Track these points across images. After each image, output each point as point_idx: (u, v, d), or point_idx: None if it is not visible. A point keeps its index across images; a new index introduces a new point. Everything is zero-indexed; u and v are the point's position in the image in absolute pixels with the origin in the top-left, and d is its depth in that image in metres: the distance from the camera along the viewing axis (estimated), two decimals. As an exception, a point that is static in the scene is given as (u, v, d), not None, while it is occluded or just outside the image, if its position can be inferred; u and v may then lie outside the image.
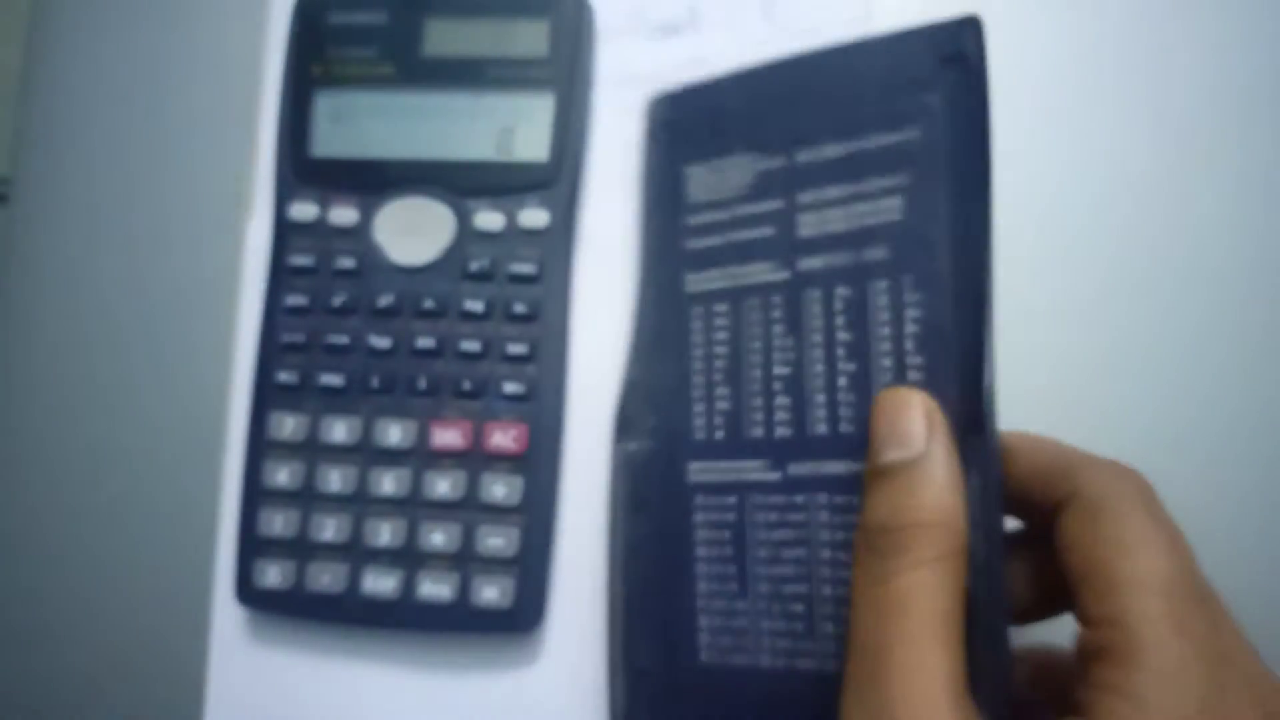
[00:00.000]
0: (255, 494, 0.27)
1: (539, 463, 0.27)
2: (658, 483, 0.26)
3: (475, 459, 0.27)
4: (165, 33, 0.31)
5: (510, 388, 0.27)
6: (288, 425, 0.27)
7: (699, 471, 0.25)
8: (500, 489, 0.26)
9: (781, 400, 0.24)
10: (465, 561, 0.26)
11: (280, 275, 0.28)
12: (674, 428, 0.26)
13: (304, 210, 0.28)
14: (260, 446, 0.27)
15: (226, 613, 0.28)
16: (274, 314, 0.28)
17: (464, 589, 0.26)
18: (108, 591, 0.29)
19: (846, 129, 0.24)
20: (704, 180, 0.26)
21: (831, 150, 0.25)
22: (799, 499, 0.24)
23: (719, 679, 0.24)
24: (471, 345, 0.27)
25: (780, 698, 0.23)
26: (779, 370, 0.24)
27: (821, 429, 0.24)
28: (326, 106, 0.29)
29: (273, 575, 0.27)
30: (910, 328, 0.23)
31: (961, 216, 0.22)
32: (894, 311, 0.23)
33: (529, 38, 0.28)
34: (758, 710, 0.24)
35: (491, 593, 0.26)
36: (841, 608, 0.23)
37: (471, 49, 0.28)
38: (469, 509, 0.27)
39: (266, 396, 0.28)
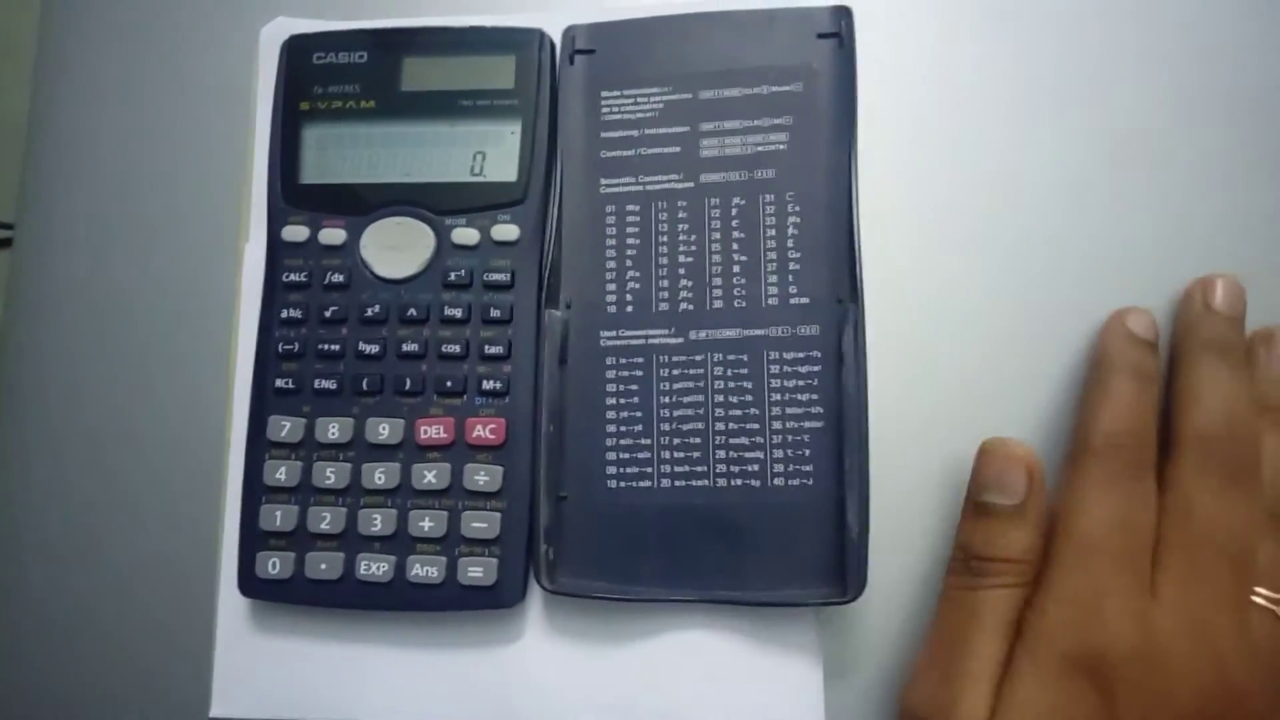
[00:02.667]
0: (256, 491, 0.30)
1: (516, 451, 0.29)
2: (576, 345, 0.30)
3: (458, 451, 0.29)
4: (164, 74, 0.34)
5: (489, 384, 0.29)
6: (285, 427, 0.30)
7: (609, 338, 0.30)
8: (482, 477, 0.29)
9: (685, 282, 0.30)
10: (452, 544, 0.29)
11: (275, 291, 0.31)
12: (589, 301, 0.30)
13: (296, 232, 0.31)
14: (260, 447, 0.30)
15: (231, 603, 0.30)
16: (270, 326, 0.31)
17: (451, 569, 0.29)
18: (119, 586, 0.31)
19: (744, 78, 0.31)
20: (618, 104, 0.31)
21: (730, 92, 0.31)
22: (698, 357, 0.30)
23: (625, 499, 0.29)
24: (452, 348, 0.30)
25: (677, 509, 0.29)
26: (683, 259, 0.30)
27: (718, 304, 0.30)
28: (314, 138, 0.32)
29: (273, 566, 0.29)
30: (791, 231, 0.30)
31: (833, 150, 0.30)
32: (779, 218, 0.30)
33: (497, 71, 0.31)
34: (658, 520, 0.29)
35: (476, 572, 0.29)
36: (729, 438, 0.29)
37: (445, 83, 0.31)
38: (454, 496, 0.29)
39: (265, 401, 0.30)
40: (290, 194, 0.31)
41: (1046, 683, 0.24)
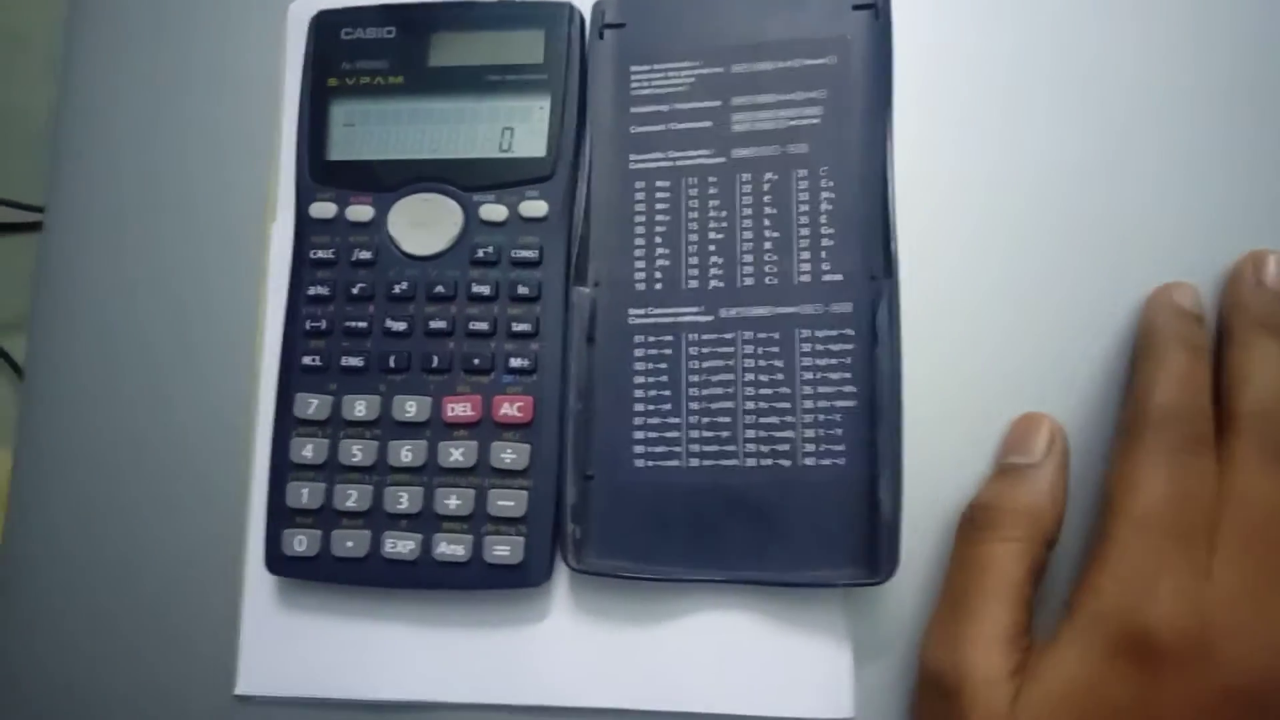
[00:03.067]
0: (283, 469, 0.30)
1: (544, 430, 0.29)
2: (604, 324, 0.30)
3: (485, 429, 0.29)
4: (190, 52, 0.34)
5: (516, 362, 0.29)
6: (312, 404, 0.30)
7: (638, 316, 0.30)
8: (509, 455, 0.29)
9: (715, 259, 0.30)
10: (478, 523, 0.29)
11: (303, 268, 0.31)
12: (617, 279, 0.30)
13: (323, 209, 0.31)
14: (287, 425, 0.30)
15: (258, 580, 0.30)
16: (298, 303, 0.30)
17: (477, 548, 0.28)
18: (146, 563, 0.31)
19: (776, 51, 0.30)
20: (648, 78, 0.31)
21: (763, 66, 0.30)
22: (727, 335, 0.29)
23: (653, 479, 0.29)
24: (480, 325, 0.29)
25: (705, 489, 0.28)
26: (713, 235, 0.30)
27: (749, 281, 0.29)
28: (342, 114, 0.31)
29: (300, 543, 0.29)
30: (824, 207, 0.29)
31: (867, 125, 0.29)
32: (812, 194, 0.29)
33: (525, 46, 0.31)
34: (686, 499, 0.28)
35: (503, 550, 0.28)
36: (759, 418, 0.28)
37: (473, 58, 0.31)
38: (480, 474, 0.29)
39: (292, 378, 0.30)
40: (318, 171, 0.31)
41: (1090, 660, 0.23)
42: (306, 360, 0.30)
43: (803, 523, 0.28)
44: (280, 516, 0.29)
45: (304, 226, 0.31)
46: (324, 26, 0.32)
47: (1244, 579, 0.23)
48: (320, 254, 0.31)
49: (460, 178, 0.30)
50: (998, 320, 0.29)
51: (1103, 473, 0.26)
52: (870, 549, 0.27)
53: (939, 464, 0.28)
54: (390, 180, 0.31)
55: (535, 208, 0.30)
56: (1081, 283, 0.29)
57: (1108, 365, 0.28)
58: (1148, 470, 0.25)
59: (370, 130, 0.31)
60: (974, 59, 0.30)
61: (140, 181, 0.34)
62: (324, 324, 0.30)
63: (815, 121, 0.30)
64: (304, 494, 0.29)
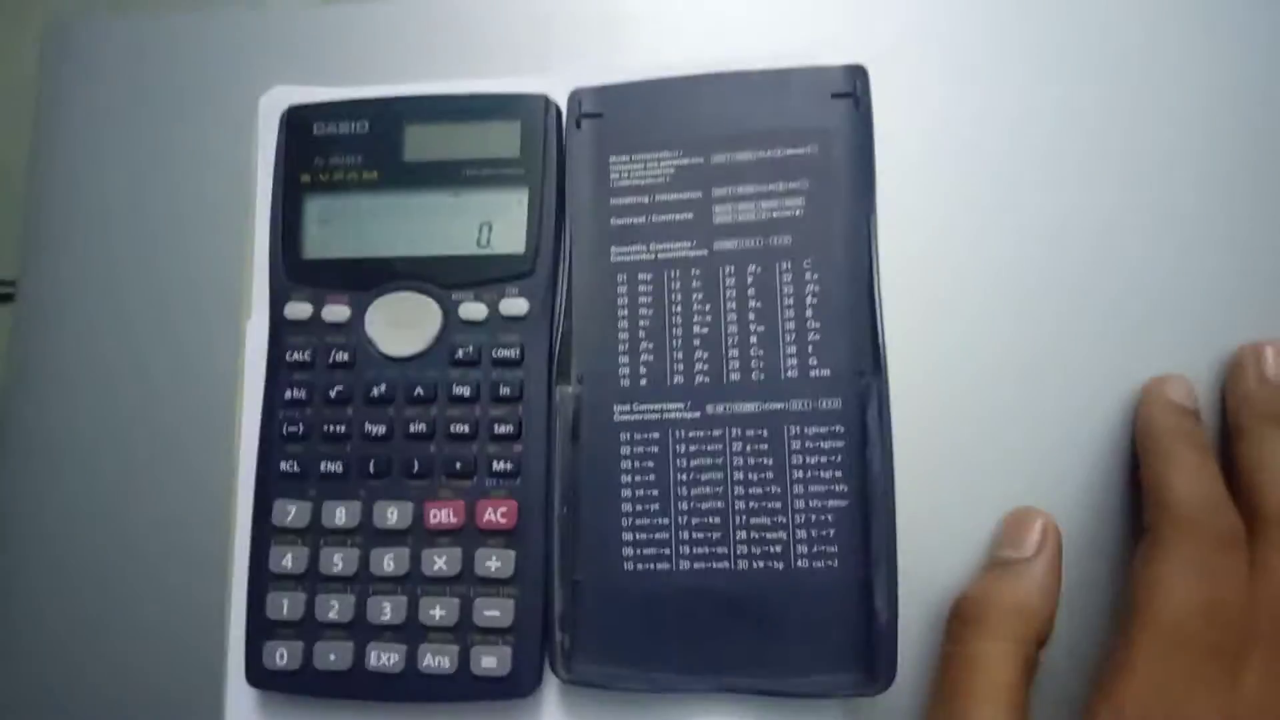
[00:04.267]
0: (263, 579, 0.29)
1: (529, 535, 0.28)
2: (589, 422, 0.29)
3: (469, 535, 0.28)
4: (165, 135, 0.33)
5: (499, 465, 0.29)
6: (291, 511, 0.29)
7: (624, 413, 0.29)
8: (494, 562, 0.28)
9: (700, 354, 0.29)
10: (464, 633, 0.28)
11: (279, 370, 0.30)
12: (602, 375, 0.29)
13: (299, 309, 0.30)
14: (266, 533, 0.29)
15: (239, 693, 0.29)
16: (274, 407, 0.30)
17: (464, 659, 0.28)
18: (124, 675, 0.30)
19: (756, 141, 0.30)
20: (627, 169, 0.30)
21: (743, 156, 0.30)
22: (715, 432, 0.28)
23: (642, 583, 0.28)
24: (461, 427, 0.29)
25: (696, 592, 0.28)
26: (698, 330, 0.29)
27: (735, 377, 0.29)
28: (316, 211, 0.31)
29: (281, 656, 0.28)
30: (810, 299, 0.29)
31: (850, 215, 0.29)
32: (796, 286, 0.29)
33: (501, 139, 0.30)
34: (677, 604, 0.28)
35: (490, 661, 0.28)
36: (750, 518, 0.28)
37: (449, 152, 0.31)
38: (465, 583, 0.28)
39: (270, 485, 0.29)
40: (293, 269, 0.30)
41: None
42: (285, 465, 0.29)
43: (798, 627, 0.27)
44: (261, 628, 0.29)
45: (279, 327, 0.30)
46: (296, 121, 0.31)
47: (1275, 689, 0.23)
48: (296, 355, 0.30)
49: (438, 275, 0.30)
50: (988, 411, 0.28)
51: (1125, 575, 0.26)
52: (867, 655, 0.26)
53: (933, 559, 0.28)
54: (367, 279, 0.30)
55: (516, 305, 0.29)
56: (1073, 372, 0.28)
57: (1102, 457, 0.28)
58: (1176, 575, 0.24)
59: (345, 227, 0.31)
60: (959, 140, 0.30)
61: (112, 272, 0.33)
62: (301, 428, 0.29)
63: (798, 213, 0.29)
64: (284, 604, 0.29)
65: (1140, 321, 0.28)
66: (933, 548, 0.28)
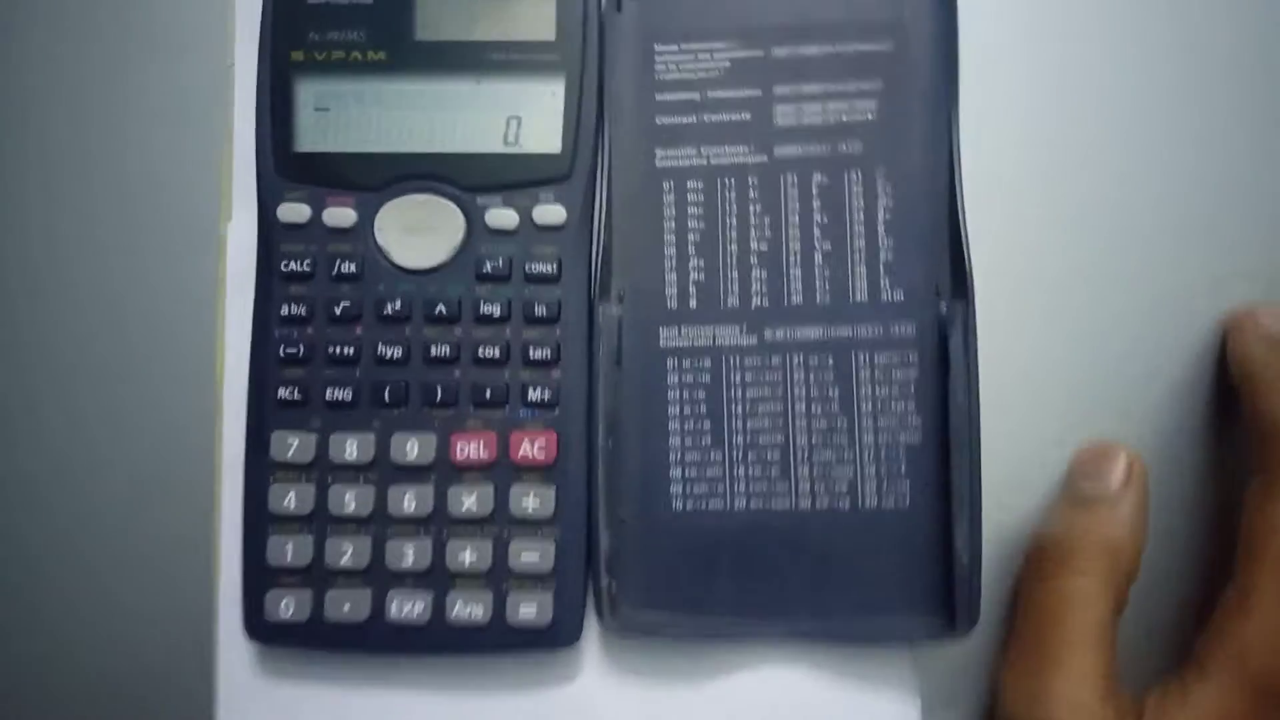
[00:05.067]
0: (261, 520, 0.25)
1: (570, 470, 0.25)
2: (633, 346, 0.26)
3: (502, 471, 0.25)
4: (120, 11, 0.28)
5: (535, 394, 0.25)
6: (293, 444, 0.25)
7: (671, 337, 0.26)
8: (531, 501, 0.25)
9: (759, 273, 0.26)
10: (498, 578, 0.25)
11: (271, 282, 0.26)
12: (646, 294, 0.26)
13: (294, 210, 0.26)
14: (263, 468, 0.25)
15: (234, 649, 0.26)
16: (268, 324, 0.26)
17: (499, 607, 0.25)
18: (105, 637, 0.26)
19: (824, 33, 0.26)
20: (674, 60, 0.27)
21: (809, 50, 0.26)
22: (775, 360, 0.26)
23: (694, 522, 0.26)
24: (490, 351, 0.25)
25: (754, 533, 0.25)
26: (755, 246, 0.26)
27: (797, 299, 0.26)
28: (311, 96, 0.26)
29: (286, 606, 0.25)
30: (883, 214, 0.26)
31: (930, 121, 0.26)
32: (867, 199, 0.26)
33: (534, 18, 0.26)
34: (733, 545, 0.25)
35: (528, 609, 0.25)
36: (814, 453, 0.25)
37: (470, 32, 0.26)
38: (499, 523, 0.25)
39: (266, 414, 0.26)
40: (285, 164, 0.26)
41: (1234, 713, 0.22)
42: (283, 392, 0.25)
43: (866, 568, 0.25)
44: (261, 575, 0.25)
45: (271, 231, 0.26)
46: (284, -13, 0.27)
47: None
48: (293, 265, 0.26)
49: (460, 176, 0.26)
50: (1077, 343, 0.26)
51: (1237, 518, 0.24)
52: (944, 597, 0.25)
53: (1005, 495, 0.26)
54: (375, 177, 0.26)
55: (551, 213, 0.26)
56: (1162, 298, 0.26)
57: (1188, 389, 0.26)
58: None
59: (347, 115, 0.26)
60: (1054, 35, 0.27)
61: (66, 161, 0.28)
62: (301, 349, 0.26)
63: (870, 116, 0.26)
64: (289, 549, 0.25)
65: (1244, 244, 0.26)
66: (1001, 481, 0.26)
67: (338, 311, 0.26)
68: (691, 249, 0.26)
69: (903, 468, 0.25)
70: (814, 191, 0.26)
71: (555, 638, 0.25)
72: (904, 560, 0.25)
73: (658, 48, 0.27)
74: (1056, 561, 0.24)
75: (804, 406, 0.26)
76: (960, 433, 0.24)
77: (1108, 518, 0.24)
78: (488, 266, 0.26)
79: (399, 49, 0.26)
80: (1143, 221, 0.27)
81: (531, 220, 0.26)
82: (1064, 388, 0.26)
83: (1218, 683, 0.22)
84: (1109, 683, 0.23)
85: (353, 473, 0.25)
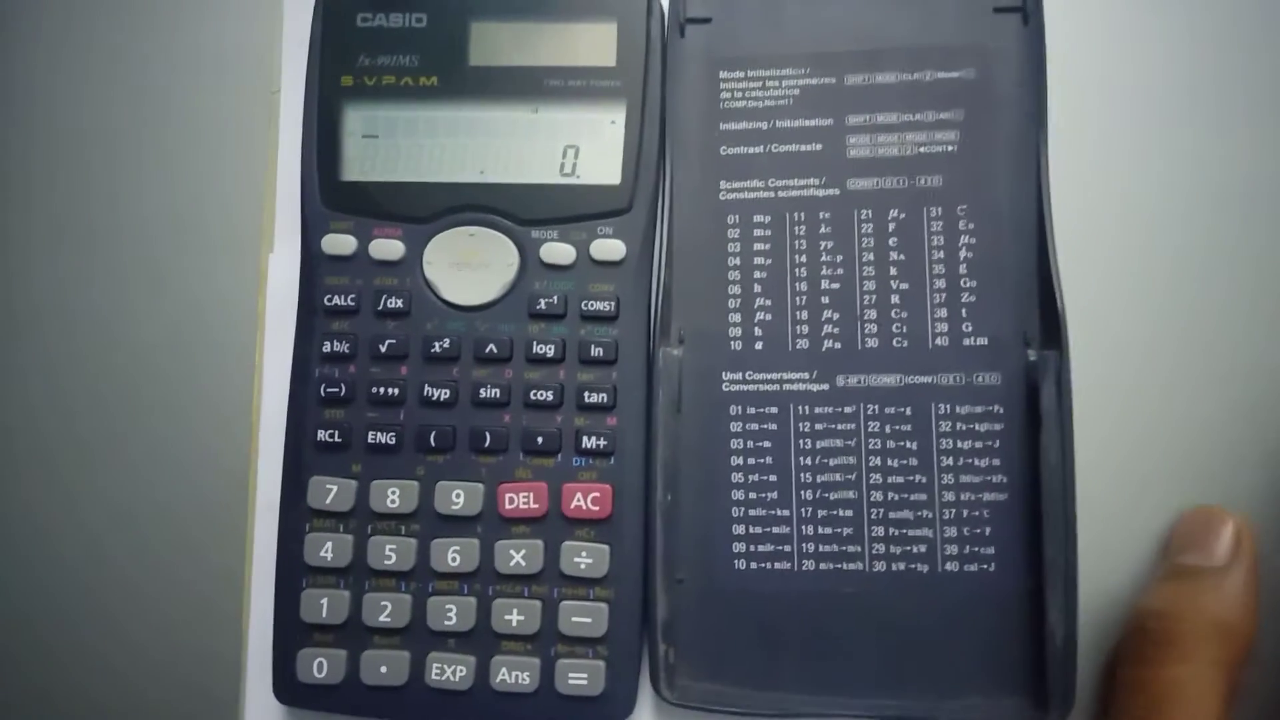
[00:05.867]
0: (295, 572, 0.24)
1: (625, 526, 0.23)
2: (694, 391, 0.25)
3: (553, 525, 0.23)
4: (167, 35, 0.27)
5: (589, 442, 0.24)
6: (332, 491, 0.24)
7: (734, 381, 0.24)
8: (584, 558, 0.23)
9: (830, 314, 0.24)
10: (546, 643, 0.23)
11: (314, 317, 0.24)
12: (708, 337, 0.25)
13: (340, 242, 0.25)
14: (299, 516, 0.24)
15: (262, 713, 0.24)
16: (308, 362, 0.24)
17: (547, 675, 0.23)
18: (121, 696, 0.25)
19: (901, 60, 0.25)
20: (741, 88, 0.25)
21: (884, 78, 0.25)
22: (848, 409, 0.24)
23: (756, 584, 0.24)
24: (543, 394, 0.24)
25: (823, 599, 0.23)
26: (826, 285, 0.24)
27: (872, 343, 0.24)
28: (359, 123, 0.25)
29: (320, 667, 0.23)
30: (964, 252, 0.24)
31: (1016, 153, 0.24)
32: (948, 236, 0.24)
33: (594, 43, 0.25)
34: (799, 611, 0.23)
35: (579, 678, 0.23)
36: (888, 511, 0.23)
37: (527, 57, 0.25)
38: (548, 583, 0.23)
39: (304, 458, 0.24)
40: (330, 194, 0.25)
41: None
42: (322, 435, 0.24)
43: (946, 642, 0.23)
44: (293, 633, 0.24)
45: (314, 263, 0.25)
46: (334, 9, 0.25)
47: None
48: (337, 300, 0.24)
49: (514, 207, 0.25)
50: (1176, 395, 0.24)
51: None
52: (1035, 678, 0.22)
53: (1097, 565, 0.24)
54: (425, 208, 0.25)
55: (610, 248, 0.24)
56: (1272, 348, 0.24)
57: None
58: None
59: (397, 143, 0.25)
60: (1148, 64, 0.25)
61: (106, 188, 0.27)
62: (343, 389, 0.24)
63: (951, 148, 0.24)
64: (324, 605, 0.23)
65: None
66: (1093, 550, 0.23)
67: (382, 349, 0.24)
68: (757, 288, 0.25)
69: (987, 530, 0.23)
70: (889, 228, 0.24)
71: (607, 709, 0.23)
72: (989, 633, 0.23)
73: (723, 74, 0.25)
74: (1160, 645, 0.22)
75: (879, 460, 0.24)
76: (1053, 494, 0.22)
77: (1216, 594, 0.22)
78: (541, 304, 0.24)
79: (452, 74, 0.25)
80: (1250, 265, 0.25)
81: (589, 255, 0.24)
82: (1162, 447, 0.24)
83: None
84: None
85: (394, 523, 0.24)
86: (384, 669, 0.23)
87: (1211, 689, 0.21)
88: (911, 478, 0.24)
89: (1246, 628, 0.22)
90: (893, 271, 0.24)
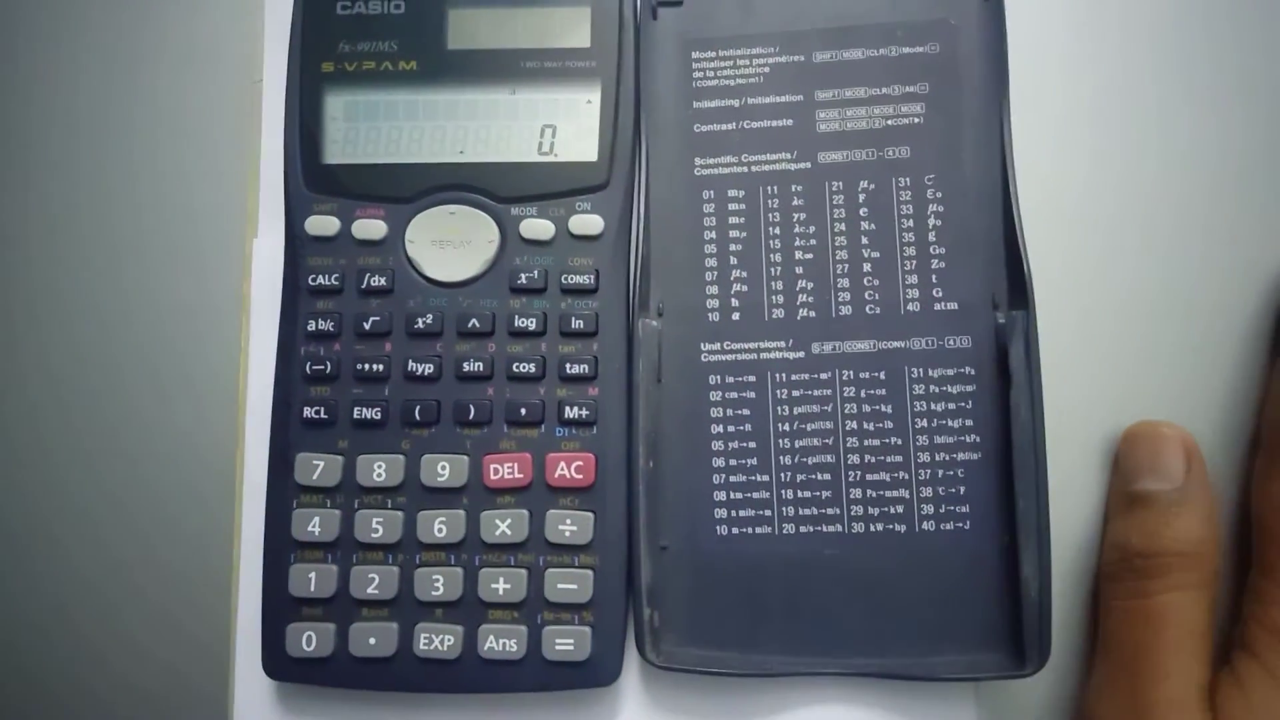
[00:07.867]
0: (284, 547, 0.24)
1: (608, 494, 0.24)
2: (673, 362, 0.25)
3: (537, 494, 0.24)
4: (149, 24, 0.27)
5: (572, 412, 0.24)
6: (318, 466, 0.24)
7: (712, 352, 0.25)
8: (568, 526, 0.24)
9: (804, 284, 0.25)
10: (533, 610, 0.24)
11: (299, 296, 0.25)
12: (686, 308, 0.25)
13: (323, 223, 0.25)
14: (286, 492, 0.24)
15: (252, 687, 0.24)
16: (293, 341, 0.25)
17: (534, 642, 0.23)
18: (116, 670, 0.25)
19: (868, 36, 0.25)
20: (712, 67, 0.26)
21: (852, 54, 0.26)
22: (823, 376, 0.24)
23: (739, 548, 0.24)
24: (525, 366, 0.24)
25: (804, 561, 0.24)
26: (800, 256, 0.25)
27: (845, 310, 0.25)
28: (341, 107, 0.26)
29: (308, 641, 0.24)
30: (932, 220, 0.25)
31: (980, 124, 0.25)
32: (916, 206, 0.25)
33: (569, 25, 0.26)
34: (781, 574, 0.24)
35: (565, 644, 0.23)
36: (865, 474, 0.24)
37: (504, 39, 0.26)
38: (534, 551, 0.24)
39: (290, 435, 0.24)
40: (313, 177, 0.25)
41: None
42: (308, 412, 0.24)
43: (926, 599, 0.23)
44: (281, 608, 0.24)
45: (298, 245, 0.25)
46: (314, -3, 0.26)
47: None
48: (321, 280, 0.25)
49: (494, 185, 0.25)
50: (1133, 348, 0.25)
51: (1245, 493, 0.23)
52: (1011, 631, 0.23)
53: (1074, 527, 0.24)
54: (406, 188, 0.25)
55: (588, 223, 0.25)
56: (1210, 285, 0.25)
57: (1235, 372, 0.24)
58: None
59: (378, 127, 0.25)
60: (1107, 36, 0.26)
61: (91, 175, 0.27)
62: (329, 366, 0.24)
63: (918, 120, 0.25)
64: (312, 579, 0.24)
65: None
66: (1067, 503, 0.24)
67: (366, 327, 0.25)
68: (733, 260, 0.25)
69: (962, 489, 0.24)
70: (860, 199, 0.25)
71: (594, 674, 0.23)
72: (965, 589, 0.23)
73: (695, 55, 0.26)
74: (1150, 576, 0.22)
75: (855, 424, 0.24)
76: (1024, 451, 0.23)
77: (1183, 518, 0.22)
78: (522, 279, 0.25)
79: (430, 59, 0.26)
80: (1203, 220, 0.25)
81: (568, 230, 0.25)
82: (1125, 397, 0.25)
83: (1262, 661, 0.21)
84: (1207, 692, 0.21)
85: (380, 496, 0.24)
86: (373, 640, 0.23)
87: (1199, 607, 0.22)
88: (887, 440, 0.24)
89: (1214, 545, 0.23)
90: (864, 241, 0.25)
